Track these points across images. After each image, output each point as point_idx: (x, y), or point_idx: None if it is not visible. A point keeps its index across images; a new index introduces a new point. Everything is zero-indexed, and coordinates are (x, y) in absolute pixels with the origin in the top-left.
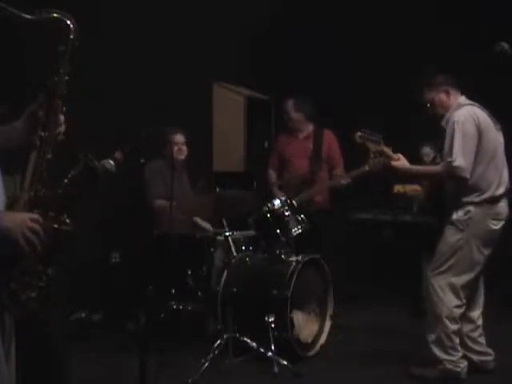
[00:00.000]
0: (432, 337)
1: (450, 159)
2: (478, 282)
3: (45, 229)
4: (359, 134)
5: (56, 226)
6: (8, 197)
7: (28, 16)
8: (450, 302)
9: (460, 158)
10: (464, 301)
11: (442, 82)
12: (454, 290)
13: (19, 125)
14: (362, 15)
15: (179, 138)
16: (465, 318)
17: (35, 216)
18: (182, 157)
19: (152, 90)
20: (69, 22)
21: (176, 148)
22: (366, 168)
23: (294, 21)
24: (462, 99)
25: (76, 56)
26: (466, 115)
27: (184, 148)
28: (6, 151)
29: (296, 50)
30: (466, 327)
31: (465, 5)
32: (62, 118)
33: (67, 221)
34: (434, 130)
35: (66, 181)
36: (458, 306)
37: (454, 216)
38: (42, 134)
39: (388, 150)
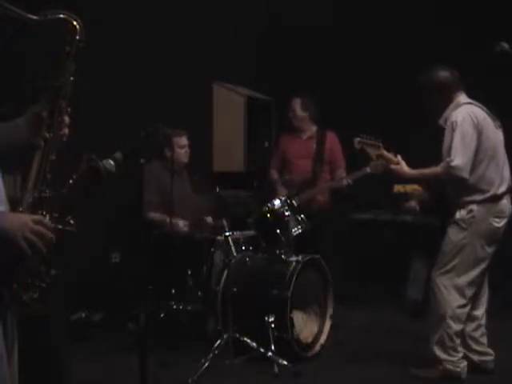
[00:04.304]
0: (435, 337)
1: (448, 159)
2: (483, 280)
3: (49, 230)
4: (358, 139)
5: (60, 226)
6: (8, 196)
7: (33, 17)
8: (453, 301)
9: (458, 158)
10: (469, 300)
11: (442, 80)
12: (458, 289)
13: (21, 123)
14: (361, 15)
15: (184, 140)
16: (468, 316)
17: (38, 217)
18: (186, 160)
19: (152, 90)
20: (75, 23)
21: (183, 151)
22: (368, 170)
23: (294, 21)
24: (461, 98)
25: (80, 56)
26: (464, 115)
27: (188, 151)
28: (7, 149)
29: (296, 49)
30: (469, 326)
31: (465, 5)
32: (66, 119)
33: (71, 221)
34: (434, 129)
35: (70, 181)
36: (462, 306)
37: (457, 215)
38: (47, 135)
39: (388, 154)
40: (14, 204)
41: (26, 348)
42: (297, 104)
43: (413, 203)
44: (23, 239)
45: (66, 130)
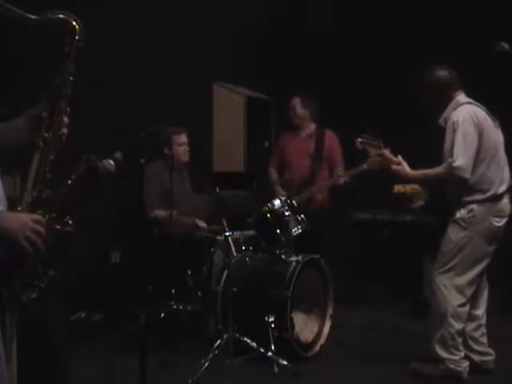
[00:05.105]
0: (436, 336)
1: (450, 159)
2: (482, 279)
3: (47, 230)
4: (360, 139)
5: (58, 227)
6: (8, 196)
7: (33, 17)
8: (454, 300)
9: (460, 158)
10: (469, 298)
11: (441, 79)
12: (458, 288)
13: (21, 123)
14: (361, 15)
15: (184, 138)
16: (468, 316)
17: (38, 217)
18: (186, 158)
19: (152, 90)
20: (74, 23)
21: (182, 149)
22: (365, 167)
23: (294, 21)
24: (461, 97)
25: (79, 56)
26: (465, 115)
27: (188, 149)
28: (7, 149)
29: (296, 49)
30: (469, 326)
31: (465, 5)
32: (65, 119)
33: (69, 222)
34: (434, 129)
35: (68, 182)
36: (462, 305)
37: (457, 214)
38: (46, 135)
39: (389, 154)
40: (13, 204)
41: (25, 348)
42: (296, 102)
43: (417, 203)
44: (24, 238)
45: (65, 130)
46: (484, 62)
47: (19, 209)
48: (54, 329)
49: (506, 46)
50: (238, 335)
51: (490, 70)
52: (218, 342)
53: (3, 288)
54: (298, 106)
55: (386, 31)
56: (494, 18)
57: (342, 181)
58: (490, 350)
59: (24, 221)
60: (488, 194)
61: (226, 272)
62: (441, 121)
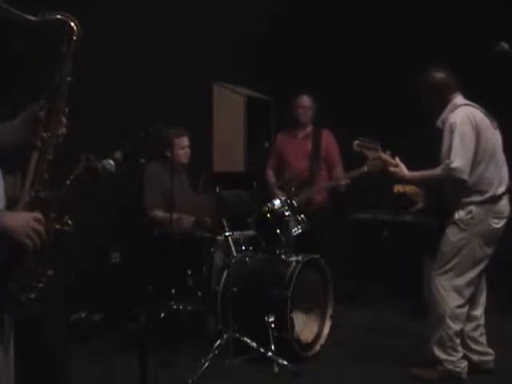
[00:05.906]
0: (434, 337)
1: (448, 161)
2: (481, 280)
3: (46, 229)
4: (357, 142)
5: (57, 226)
6: (8, 195)
7: (31, 18)
8: (452, 301)
9: (458, 160)
10: (467, 300)
11: (439, 80)
12: (457, 289)
13: (18, 123)
14: (361, 15)
15: (185, 141)
16: (467, 316)
17: (38, 216)
18: (186, 160)
19: (152, 90)
20: (72, 24)
21: (183, 152)
22: (365, 169)
23: (294, 21)
24: (458, 99)
25: (77, 56)
26: (462, 116)
27: (189, 151)
28: (6, 149)
29: (296, 49)
30: (468, 326)
31: (465, 5)
32: (63, 119)
33: (68, 222)
34: (434, 129)
35: (67, 182)
36: (460, 306)
37: (456, 216)
38: (44, 134)
39: (386, 156)
40: (12, 203)
41: (23, 349)
42: (309, 101)
43: (416, 207)
44: (26, 237)
45: (64, 130)
46: (484, 62)
47: (17, 209)
48: (53, 329)
49: (505, 45)
50: (238, 335)
51: (490, 70)
52: (218, 342)
53: (1, 288)
54: (310, 105)
55: (386, 31)
56: (494, 18)
57: (343, 183)
58: (490, 350)
59: (25, 219)
60: (486, 196)
61: (225, 272)
62: (438, 122)
